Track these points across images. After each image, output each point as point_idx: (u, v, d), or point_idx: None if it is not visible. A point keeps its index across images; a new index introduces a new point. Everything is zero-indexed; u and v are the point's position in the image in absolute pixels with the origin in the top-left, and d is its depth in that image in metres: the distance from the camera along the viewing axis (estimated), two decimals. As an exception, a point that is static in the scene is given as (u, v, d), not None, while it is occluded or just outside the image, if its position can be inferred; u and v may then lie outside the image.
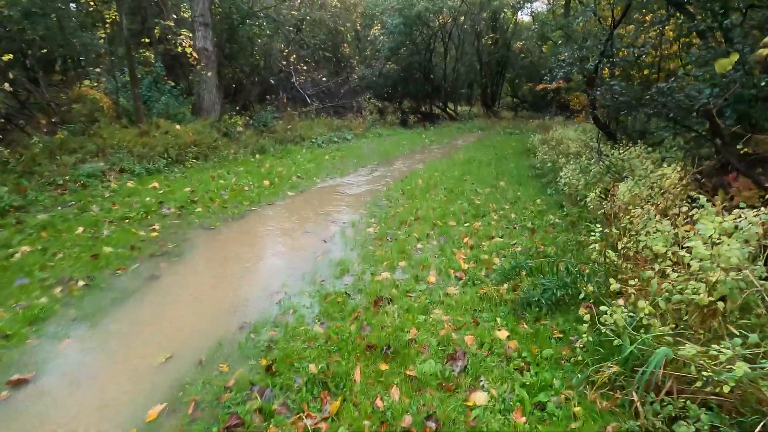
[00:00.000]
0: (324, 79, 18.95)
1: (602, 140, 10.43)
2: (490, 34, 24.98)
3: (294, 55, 19.09)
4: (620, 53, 9.27)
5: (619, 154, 6.30)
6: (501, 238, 4.71)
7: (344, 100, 17.65)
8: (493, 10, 23.53)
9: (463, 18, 22.02)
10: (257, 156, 9.01)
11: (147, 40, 13.50)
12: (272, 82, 17.01)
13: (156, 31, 13.01)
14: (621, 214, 4.33)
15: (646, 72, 9.95)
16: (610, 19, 13.25)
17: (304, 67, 19.86)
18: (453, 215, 5.48)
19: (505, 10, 25.49)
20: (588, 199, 5.00)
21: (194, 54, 10.54)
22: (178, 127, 8.57)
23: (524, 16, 28.80)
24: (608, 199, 4.73)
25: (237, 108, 13.98)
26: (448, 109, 22.03)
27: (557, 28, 17.90)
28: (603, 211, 4.52)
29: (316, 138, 11.44)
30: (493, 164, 9.37)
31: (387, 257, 4.09)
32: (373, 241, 4.55)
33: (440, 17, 20.69)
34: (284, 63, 18.67)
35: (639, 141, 6.91)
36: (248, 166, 7.98)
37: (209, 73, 10.40)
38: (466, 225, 5.12)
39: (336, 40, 22.17)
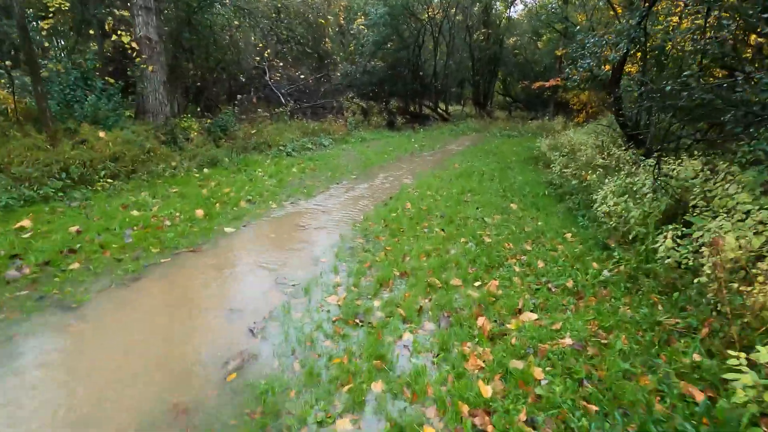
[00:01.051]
0: (302, 76, 17.17)
1: (619, 143, 8.86)
2: (482, 29, 23.44)
3: (268, 50, 17.31)
4: (650, 41, 7.70)
5: (671, 170, 4.71)
6: (533, 312, 3.03)
7: (324, 99, 15.87)
8: (485, 3, 21.97)
9: (454, 10, 20.41)
10: (205, 170, 7.19)
11: (92, 32, 11.57)
12: (243, 79, 15.18)
13: (108, 23, 11.13)
14: (740, 286, 2.68)
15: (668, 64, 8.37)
16: (620, 8, 11.70)
17: (280, 64, 18.10)
18: (456, 266, 3.78)
19: (498, 2, 24.00)
20: (659, 248, 3.34)
21: (134, 45, 8.67)
22: (102, 134, 6.73)
23: (514, 14, 27.36)
24: (700, 250, 3.09)
25: (199, 109, 12.15)
26: (438, 109, 20.39)
27: (559, 18, 16.41)
28: (699, 275, 2.86)
29: (286, 145, 9.65)
30: (497, 177, 7.72)
31: (351, 371, 2.37)
32: (332, 329, 2.82)
33: (429, 9, 19.05)
34: (258, 58, 16.89)
35: (683, 151, 5.37)
36: (187, 185, 6.17)
37: (151, 68, 8.53)
38: (476, 285, 3.43)
39: (317, 34, 20.40)
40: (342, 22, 22.44)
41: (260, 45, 17.87)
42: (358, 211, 5.49)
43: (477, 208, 5.58)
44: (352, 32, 20.31)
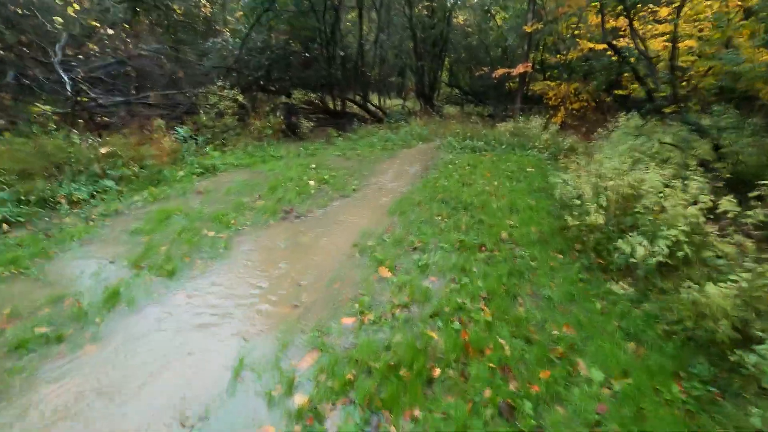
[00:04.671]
0: (143, 53, 10.44)
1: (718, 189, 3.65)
2: (425, 2, 17.96)
3: (74, 5, 10.41)
4: None
5: None
6: None
7: (165, 92, 9.37)
8: (428, -37, 16.49)
9: (385, -36, 14.66)
10: None
11: None
12: (-4, 51, 8.26)
13: None
14: None
15: None
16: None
17: (109, 32, 11.25)
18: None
19: (444, -34, 18.60)
20: None
21: None
22: None
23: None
24: None
25: None
26: (369, 104, 14.55)
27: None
28: None
29: None
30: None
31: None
32: None
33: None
34: (59, 19, 10.00)
35: None
36: None
37: None
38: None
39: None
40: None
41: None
42: None
43: None
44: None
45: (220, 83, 9.49)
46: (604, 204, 3.76)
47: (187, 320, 2.63)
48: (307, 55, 12.62)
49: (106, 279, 3.00)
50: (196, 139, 7.57)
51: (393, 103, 20.02)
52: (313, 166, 7.10)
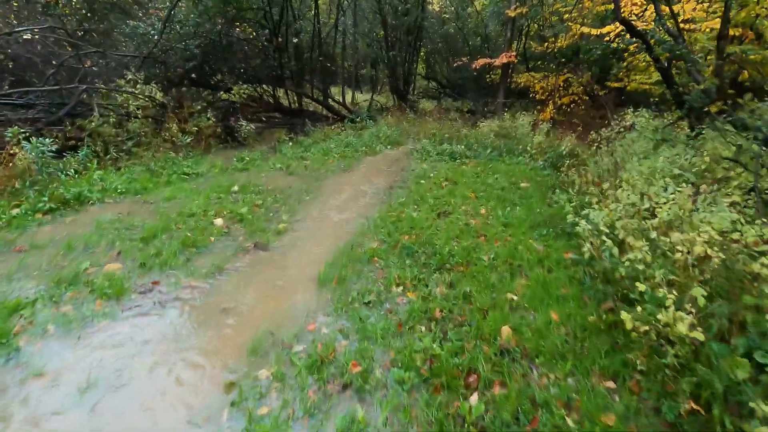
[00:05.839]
0: (25, 37, 8.15)
1: None
2: (397, -14, 16.01)
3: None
4: None
5: None
6: None
7: (48, 87, 7.16)
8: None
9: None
10: None
11: None
12: None
13: None
14: None
15: None
16: None
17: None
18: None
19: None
20: None
21: None
22: None
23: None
24: None
25: None
26: (332, 100, 12.56)
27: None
28: None
29: None
30: None
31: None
32: None
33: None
34: None
35: None
36: None
37: None
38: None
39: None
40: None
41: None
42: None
43: None
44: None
45: (131, 76, 7.39)
46: (700, 297, 2.00)
47: None
48: (253, 42, 10.56)
49: None
50: (76, 153, 5.49)
51: (365, 98, 18.06)
52: (236, 188, 5.16)
